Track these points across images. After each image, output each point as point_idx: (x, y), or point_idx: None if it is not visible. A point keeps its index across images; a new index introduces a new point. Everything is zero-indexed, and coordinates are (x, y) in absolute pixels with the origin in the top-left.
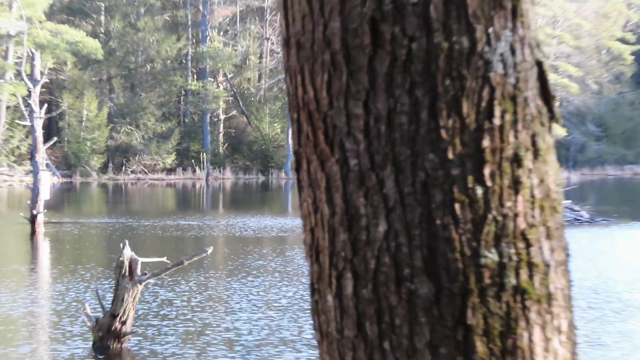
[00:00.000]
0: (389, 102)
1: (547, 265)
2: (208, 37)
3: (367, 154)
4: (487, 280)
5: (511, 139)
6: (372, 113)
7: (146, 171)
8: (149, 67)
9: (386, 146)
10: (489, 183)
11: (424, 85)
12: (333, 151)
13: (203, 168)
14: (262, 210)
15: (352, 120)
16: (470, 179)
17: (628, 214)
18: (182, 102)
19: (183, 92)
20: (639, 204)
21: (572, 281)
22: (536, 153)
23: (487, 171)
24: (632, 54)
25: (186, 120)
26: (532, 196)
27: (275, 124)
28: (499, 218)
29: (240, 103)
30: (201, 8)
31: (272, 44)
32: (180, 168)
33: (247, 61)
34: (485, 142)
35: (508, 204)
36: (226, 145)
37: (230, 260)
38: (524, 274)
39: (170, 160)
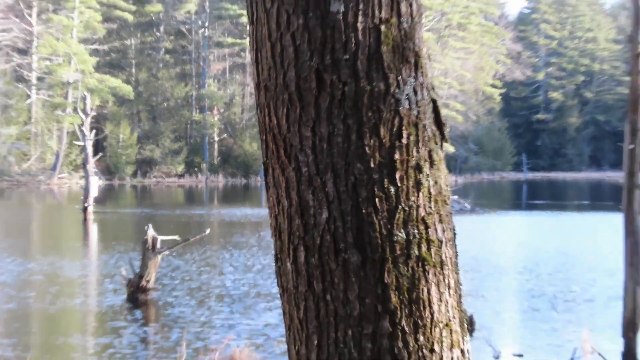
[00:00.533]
0: (329, 127)
1: (440, 241)
2: (207, 84)
3: (314, 164)
4: (398, 252)
5: (414, 153)
6: (317, 135)
7: (163, 176)
8: (165, 105)
9: (327, 158)
10: (399, 184)
11: (354, 116)
12: (290, 162)
13: (203, 174)
14: (244, 204)
15: (304, 140)
16: (386, 181)
17: (497, 205)
18: (188, 129)
19: (189, 122)
20: (504, 199)
21: (457, 252)
22: (432, 163)
23: (397, 176)
24: (500, 95)
25: (191, 141)
26: (430, 193)
27: (254, 144)
28: (406, 208)
29: (229, 129)
30: (202, 63)
31: (251, 88)
32: (188, 174)
33: (234, 100)
34: (397, 156)
35: (412, 198)
36: (219, 158)
37: (222, 238)
38: (424, 247)
39: (180, 168)
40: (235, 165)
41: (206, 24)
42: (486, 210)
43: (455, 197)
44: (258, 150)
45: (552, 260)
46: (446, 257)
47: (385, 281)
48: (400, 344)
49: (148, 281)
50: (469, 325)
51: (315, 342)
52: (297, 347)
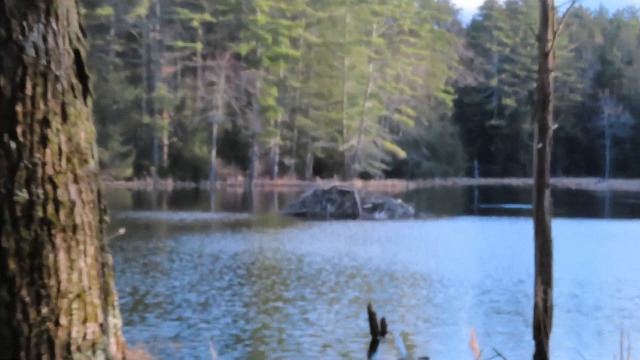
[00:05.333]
0: None
1: (73, 203)
2: (157, 87)
3: None
4: (19, 213)
5: (41, 106)
6: None
7: (112, 179)
8: (115, 107)
9: None
10: (21, 139)
11: None
12: None
13: (152, 177)
14: (194, 207)
15: None
16: (5, 135)
17: (445, 210)
18: (138, 132)
19: (139, 125)
20: (454, 204)
21: (106, 219)
22: (65, 117)
23: (19, 130)
24: (452, 100)
25: (141, 144)
26: (60, 150)
27: (204, 147)
28: (30, 166)
29: (179, 132)
30: (152, 67)
31: (202, 91)
32: (136, 177)
33: (184, 103)
34: (18, 108)
35: (37, 155)
36: (169, 161)
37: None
38: (50, 209)
39: (129, 171)
40: (185, 168)
41: (157, 28)
42: (430, 215)
43: (399, 200)
44: (208, 154)
45: (484, 266)
46: (82, 221)
47: (3, 246)
48: (19, 316)
49: None
50: (381, 327)
51: None
52: None
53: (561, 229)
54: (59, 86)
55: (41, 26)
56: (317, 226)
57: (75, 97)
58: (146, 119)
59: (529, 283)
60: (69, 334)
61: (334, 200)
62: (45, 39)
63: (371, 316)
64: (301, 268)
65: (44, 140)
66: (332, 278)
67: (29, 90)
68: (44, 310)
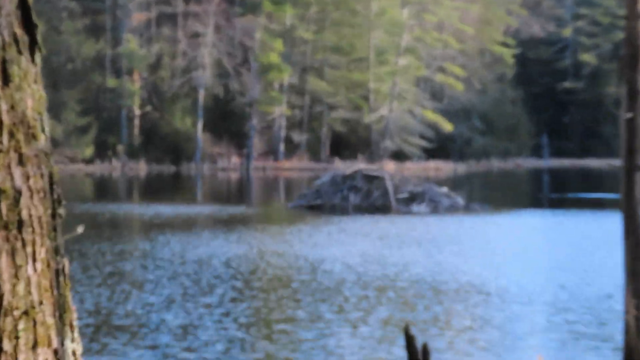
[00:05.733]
0: None
1: (19, 192)
2: (125, 40)
3: None
4: None
5: None
6: None
7: (66, 161)
8: (70, 67)
9: None
10: None
11: None
12: None
13: (119, 159)
14: (173, 199)
15: None
16: None
17: (505, 202)
18: (100, 99)
19: (101, 89)
20: (517, 193)
21: (61, 212)
22: (6, 79)
23: None
24: (513, 56)
25: (104, 115)
26: (0, 122)
27: (186, 119)
28: None
29: (155, 99)
30: (118, 14)
31: (184, 45)
32: (99, 159)
33: (161, 61)
34: None
35: None
36: (141, 138)
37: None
38: None
39: (89, 151)
40: (162, 147)
41: None
42: (485, 208)
43: (444, 189)
44: (193, 128)
45: (558, 276)
46: (30, 215)
47: None
48: None
49: None
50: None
51: None
52: None
53: None
54: None
55: None
56: (336, 223)
57: (19, 52)
58: (111, 81)
59: (617, 298)
60: None
61: (358, 188)
62: None
63: (409, 342)
64: (315, 278)
65: None
66: (357, 292)
67: None
68: None
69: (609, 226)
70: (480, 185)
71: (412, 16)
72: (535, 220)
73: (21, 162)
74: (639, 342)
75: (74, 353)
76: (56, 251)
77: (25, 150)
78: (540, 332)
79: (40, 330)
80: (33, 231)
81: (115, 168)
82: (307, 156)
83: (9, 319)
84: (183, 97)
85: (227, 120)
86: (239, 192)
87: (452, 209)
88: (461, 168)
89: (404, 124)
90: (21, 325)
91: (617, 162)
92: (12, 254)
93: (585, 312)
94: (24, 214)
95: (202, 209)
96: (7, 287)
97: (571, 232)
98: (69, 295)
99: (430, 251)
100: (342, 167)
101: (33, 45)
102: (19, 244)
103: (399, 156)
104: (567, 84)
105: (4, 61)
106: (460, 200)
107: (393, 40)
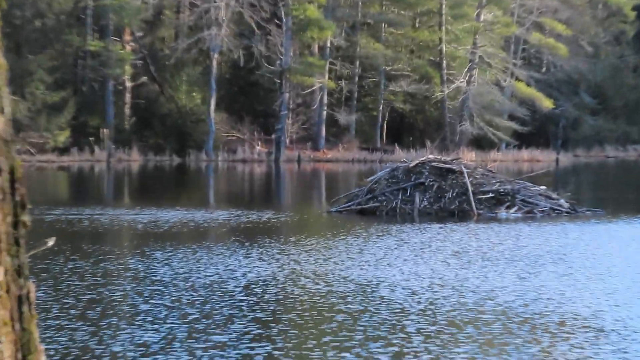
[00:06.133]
0: None
1: None
2: None
3: None
4: None
5: None
6: None
7: (33, 151)
8: (39, 24)
9: None
10: None
11: None
12: None
13: (104, 148)
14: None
15: None
16: None
17: (625, 206)
18: (79, 67)
19: (81, 54)
20: (638, 194)
21: (25, 220)
22: None
23: None
24: (634, 8)
25: (84, 88)
26: None
27: (195, 94)
28: None
29: (152, 68)
30: None
31: None
32: (76, 148)
33: (161, 16)
34: None
35: None
36: (133, 119)
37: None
38: None
39: (63, 137)
40: (162, 131)
41: None
42: (599, 214)
43: (542, 187)
44: (203, 106)
45: None
46: None
47: None
48: None
49: None
50: None
51: None
52: None
53: None
54: None
55: None
56: (395, 233)
57: None
58: (93, 43)
59: None
60: None
61: (426, 186)
62: None
63: None
64: (368, 309)
65: None
66: (424, 327)
67: None
68: None
69: None
70: (592, 183)
71: None
72: None
73: None
74: None
75: None
76: (18, 272)
77: None
78: None
79: None
80: None
81: (98, 159)
82: (358, 143)
83: None
84: (190, 64)
85: (250, 96)
86: (265, 192)
87: (553, 214)
88: (565, 158)
89: (488, 101)
90: None
91: None
92: None
93: None
94: None
95: (215, 215)
96: None
97: None
98: (36, 331)
99: (523, 272)
100: (405, 156)
101: None
102: None
103: (481, 143)
104: None
105: None
106: (564, 203)
107: None
